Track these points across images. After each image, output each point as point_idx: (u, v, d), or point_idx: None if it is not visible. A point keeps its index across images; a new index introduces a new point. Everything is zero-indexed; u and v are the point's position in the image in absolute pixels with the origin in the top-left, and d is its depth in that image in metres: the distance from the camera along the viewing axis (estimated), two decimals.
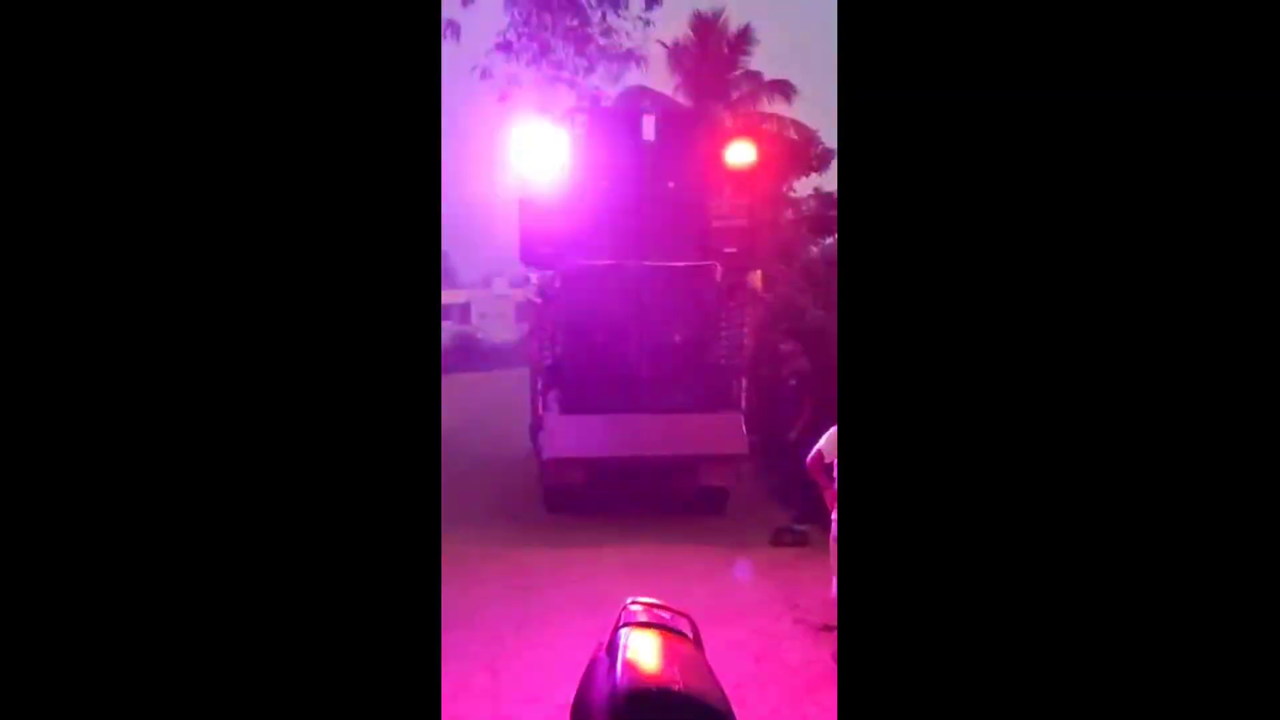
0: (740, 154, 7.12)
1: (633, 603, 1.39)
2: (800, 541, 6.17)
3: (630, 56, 9.29)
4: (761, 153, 7.37)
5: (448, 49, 8.88)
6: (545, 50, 8.67)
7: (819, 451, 4.37)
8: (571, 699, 1.32)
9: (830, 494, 4.33)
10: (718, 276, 7.03)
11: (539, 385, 7.11)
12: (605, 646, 1.30)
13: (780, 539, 6.24)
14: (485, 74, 8.95)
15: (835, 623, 4.47)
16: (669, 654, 1.25)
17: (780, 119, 14.70)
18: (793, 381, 6.67)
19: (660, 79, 13.98)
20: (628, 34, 8.95)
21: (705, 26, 15.39)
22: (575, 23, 8.64)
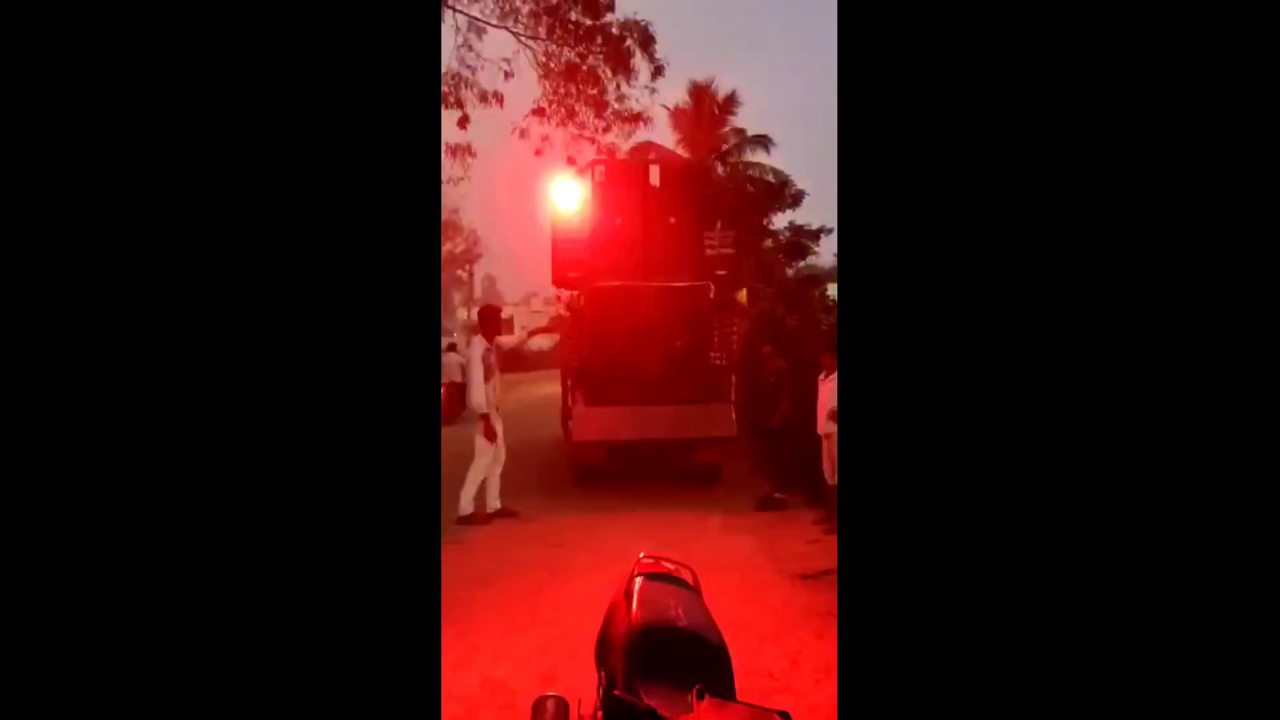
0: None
1: (645, 556, 1.39)
2: (780, 507, 6.14)
3: (639, 118, 9.27)
4: (744, 194, 7.33)
5: (493, 114, 8.89)
6: (571, 114, 8.68)
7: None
8: (596, 634, 1.32)
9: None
10: (711, 294, 7.01)
11: (569, 383, 7.10)
12: (623, 591, 1.31)
13: (764, 505, 6.21)
14: (523, 134, 8.98)
15: (810, 573, 4.47)
16: (674, 598, 1.25)
17: (761, 166, 14.67)
18: (773, 379, 6.63)
19: (664, 136, 13.98)
20: (637, 100, 8.95)
21: (699, 92, 15.40)
22: (595, 91, 8.64)
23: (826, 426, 5.49)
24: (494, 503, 5.89)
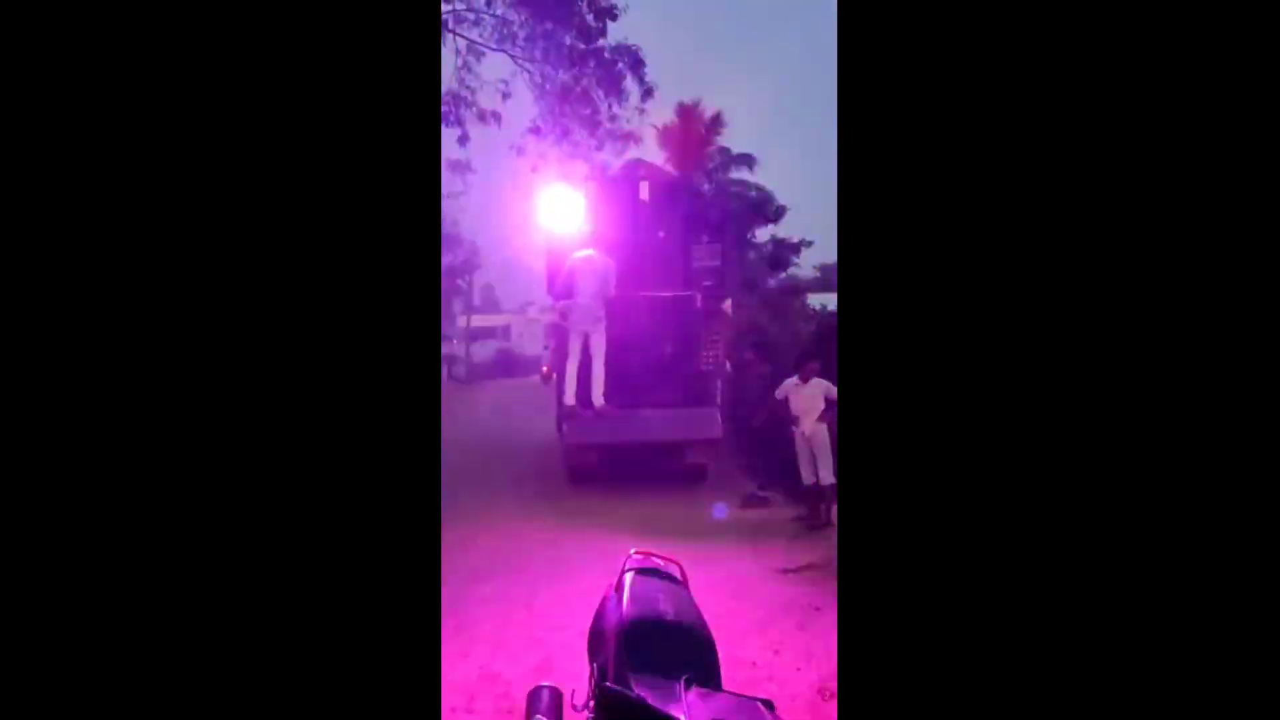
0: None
1: (635, 552, 1.39)
2: (763, 504, 6.14)
3: (630, 137, 9.36)
4: (729, 209, 7.38)
5: (490, 133, 8.94)
6: (566, 133, 8.73)
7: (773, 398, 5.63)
8: (589, 627, 1.32)
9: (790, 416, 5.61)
10: (698, 304, 7.02)
11: (561, 387, 7.08)
12: (614, 586, 1.30)
13: (748, 503, 6.20)
14: (520, 152, 9.02)
15: (791, 567, 4.47)
16: (663, 592, 1.25)
17: (744, 183, 14.75)
18: (756, 383, 6.64)
19: (653, 153, 14.02)
20: (628, 120, 9.05)
21: (687, 113, 15.48)
22: (588, 111, 8.69)
23: (812, 428, 5.49)
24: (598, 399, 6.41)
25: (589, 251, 6.49)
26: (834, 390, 5.33)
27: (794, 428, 5.60)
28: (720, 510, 5.27)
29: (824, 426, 5.38)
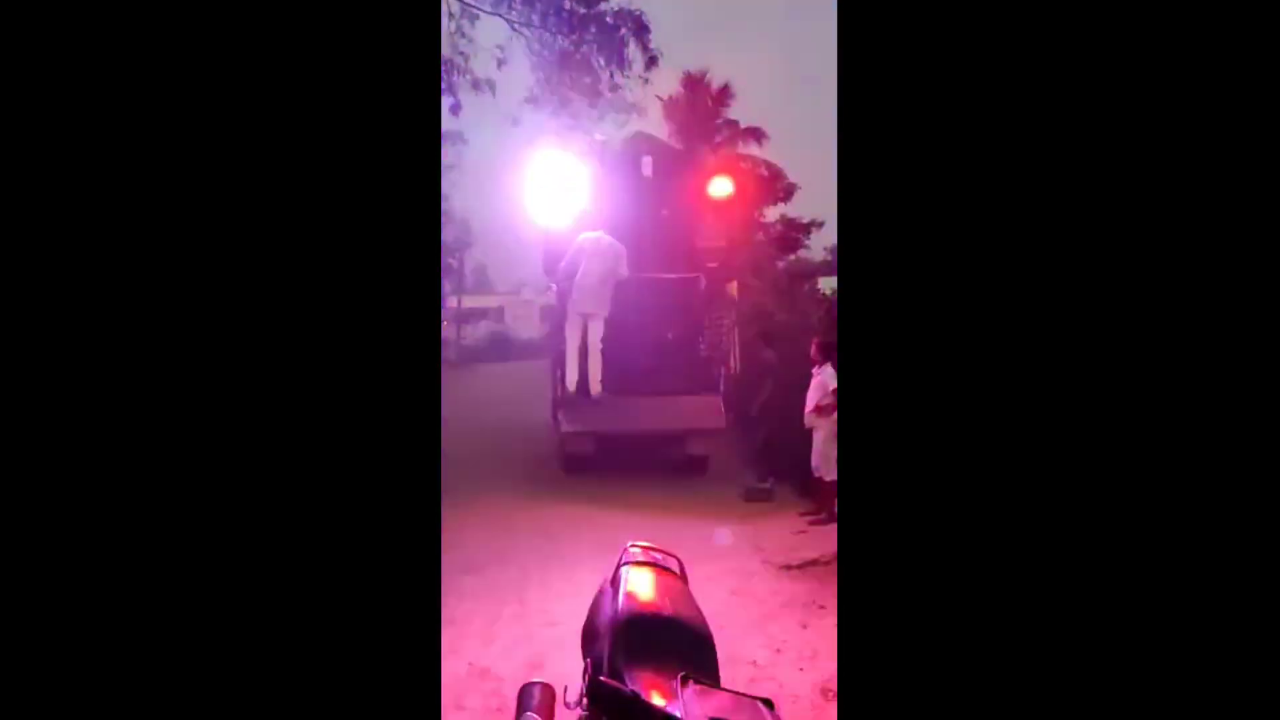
0: (720, 187, 7.13)
1: (632, 545, 1.40)
2: (766, 497, 6.18)
3: (632, 108, 9.28)
4: (737, 186, 7.35)
5: (485, 103, 8.86)
6: (564, 103, 8.65)
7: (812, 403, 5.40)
8: (584, 622, 1.33)
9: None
10: (702, 286, 7.01)
11: (559, 373, 7.09)
12: (610, 580, 1.32)
13: (750, 496, 6.24)
14: (516, 122, 8.94)
15: (795, 563, 4.50)
16: (661, 586, 1.27)
17: (753, 159, 14.67)
18: (757, 369, 6.65)
19: (657, 126, 13.90)
20: (631, 90, 8.95)
21: (693, 83, 15.36)
22: (588, 81, 8.61)
23: (810, 420, 5.50)
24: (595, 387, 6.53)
25: (597, 233, 6.46)
26: (833, 381, 5.32)
27: None
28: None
29: (828, 420, 5.39)
